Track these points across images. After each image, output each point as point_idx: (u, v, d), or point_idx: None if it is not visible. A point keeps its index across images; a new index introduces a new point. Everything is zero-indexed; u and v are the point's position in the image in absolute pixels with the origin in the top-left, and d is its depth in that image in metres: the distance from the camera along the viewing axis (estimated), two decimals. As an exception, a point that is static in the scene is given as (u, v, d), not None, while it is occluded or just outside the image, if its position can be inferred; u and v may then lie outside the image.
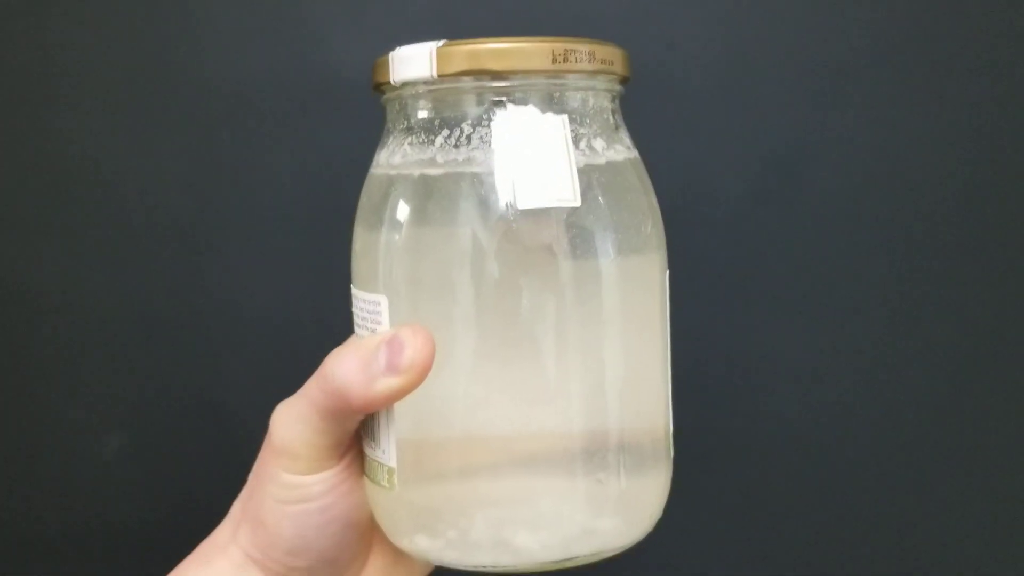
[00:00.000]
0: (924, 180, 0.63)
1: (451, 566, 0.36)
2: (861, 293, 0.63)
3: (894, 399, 0.64)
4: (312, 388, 0.36)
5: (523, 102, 0.35)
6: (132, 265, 0.64)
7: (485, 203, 0.34)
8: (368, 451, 0.37)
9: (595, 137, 0.36)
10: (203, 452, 0.64)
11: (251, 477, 0.39)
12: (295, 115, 0.62)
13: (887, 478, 0.65)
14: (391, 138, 0.37)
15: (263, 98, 0.62)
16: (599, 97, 0.36)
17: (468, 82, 0.34)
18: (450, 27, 0.58)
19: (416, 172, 0.35)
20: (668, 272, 0.39)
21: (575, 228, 0.34)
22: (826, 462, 0.65)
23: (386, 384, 0.34)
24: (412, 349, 0.33)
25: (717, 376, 0.64)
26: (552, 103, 0.35)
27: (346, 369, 0.34)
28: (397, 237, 0.35)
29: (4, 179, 0.63)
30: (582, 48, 0.35)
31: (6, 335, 0.64)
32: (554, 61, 0.34)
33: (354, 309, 0.38)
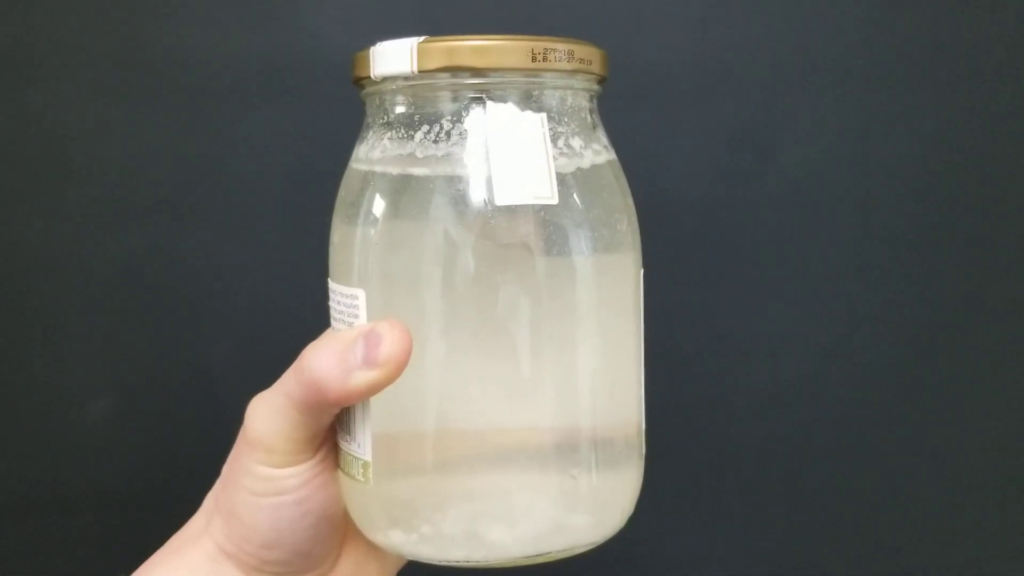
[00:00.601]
0: (892, 158, 0.64)
1: (425, 561, 0.36)
2: (831, 270, 0.65)
3: (864, 371, 0.66)
4: (288, 381, 0.36)
5: (502, 99, 0.35)
6: (119, 233, 0.64)
7: (463, 199, 0.34)
8: (343, 445, 0.37)
9: (573, 136, 0.36)
10: (188, 416, 0.65)
11: (225, 469, 0.39)
12: (281, 90, 0.63)
13: (859, 448, 0.66)
14: (370, 132, 0.37)
15: (250, 74, 0.63)
16: (577, 96, 0.37)
17: (447, 78, 0.35)
18: (437, 17, 0.59)
19: (395, 167, 0.36)
20: (643, 271, 0.39)
21: (551, 225, 0.35)
22: (798, 434, 0.66)
23: (363, 378, 0.34)
24: (389, 343, 0.33)
25: (691, 351, 0.65)
26: (531, 101, 0.35)
27: (323, 362, 0.34)
28: (375, 232, 0.35)
29: None
30: (561, 47, 0.35)
31: None
32: (533, 59, 0.34)
33: (331, 303, 0.38)
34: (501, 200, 0.33)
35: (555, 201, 0.34)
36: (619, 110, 0.58)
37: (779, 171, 0.64)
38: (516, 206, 0.34)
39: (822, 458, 0.67)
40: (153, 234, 0.64)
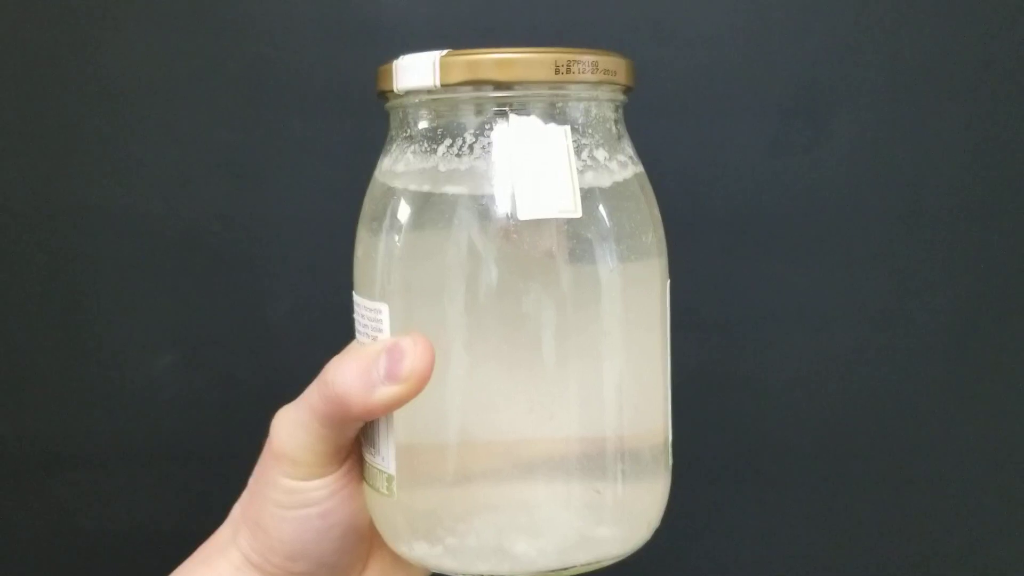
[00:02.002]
0: (944, 132, 0.64)
1: (449, 573, 0.36)
2: (881, 244, 0.65)
3: (912, 346, 0.65)
4: (312, 395, 0.36)
5: (525, 112, 0.35)
6: (183, 194, 0.66)
7: (486, 214, 0.34)
8: (368, 457, 0.37)
9: (597, 147, 0.36)
10: (247, 373, 0.66)
11: (251, 481, 0.39)
12: (344, 57, 0.64)
13: (905, 424, 0.66)
14: (394, 145, 0.37)
15: (313, 39, 0.65)
16: (602, 107, 0.36)
17: (470, 92, 0.34)
18: (486, 26, 0.59)
19: (417, 181, 0.35)
20: (669, 281, 0.39)
21: (575, 238, 0.35)
22: (843, 408, 0.66)
23: (386, 392, 0.34)
24: (412, 358, 0.33)
25: (738, 324, 0.65)
26: (554, 113, 0.35)
27: (346, 376, 0.34)
28: (398, 245, 0.35)
29: (66, 110, 0.65)
30: (585, 58, 0.35)
31: (64, 258, 0.66)
32: (557, 72, 0.34)
33: (355, 315, 0.38)
34: (524, 215, 0.33)
35: (579, 215, 0.34)
36: (674, 82, 0.58)
37: (831, 144, 0.63)
38: (540, 220, 0.34)
39: (867, 433, 0.66)
40: (217, 196, 0.66)
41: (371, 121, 0.55)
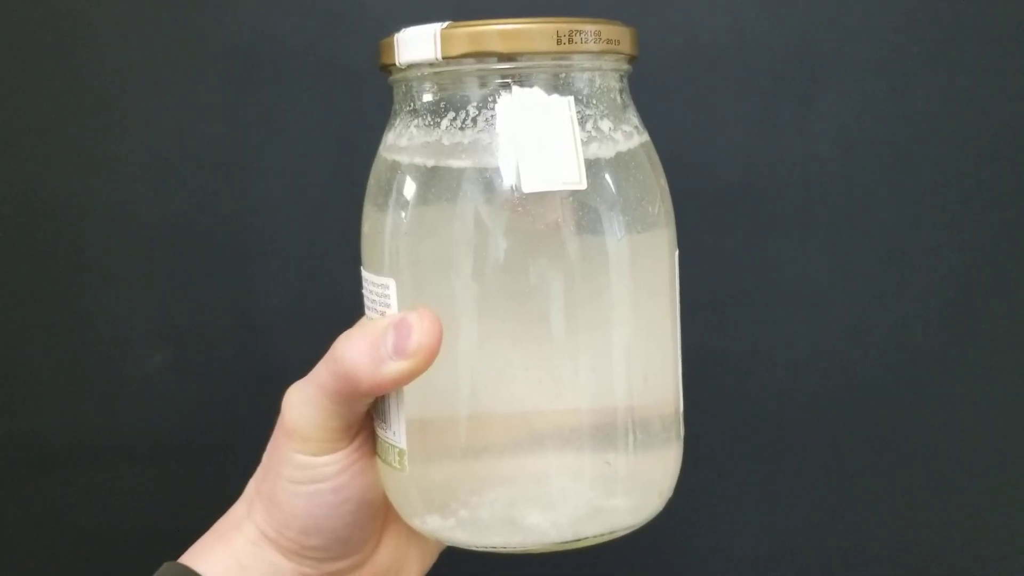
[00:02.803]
0: (934, 107, 0.63)
1: (462, 546, 0.36)
2: (873, 220, 0.64)
3: (907, 322, 0.65)
4: (321, 371, 0.36)
5: (528, 84, 0.34)
6: (172, 190, 0.66)
7: (490, 187, 0.34)
8: (380, 432, 0.38)
9: (602, 118, 0.35)
10: (239, 368, 0.66)
11: (265, 457, 0.39)
12: (328, 47, 0.64)
13: (902, 400, 0.66)
14: (398, 119, 0.37)
15: (296, 31, 0.64)
16: (606, 77, 0.36)
17: (472, 64, 0.34)
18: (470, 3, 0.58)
19: (421, 156, 0.35)
20: (678, 252, 0.39)
21: (582, 209, 0.34)
22: (840, 385, 0.66)
23: (394, 368, 0.34)
24: (419, 333, 0.33)
25: (732, 302, 0.65)
26: (558, 84, 0.35)
27: (354, 352, 0.34)
28: (404, 220, 0.35)
29: (53, 107, 0.65)
30: (588, 28, 0.34)
31: (54, 255, 0.66)
32: (559, 42, 0.34)
33: (364, 291, 0.38)
34: (529, 187, 0.33)
35: (583, 186, 0.34)
36: (661, 62, 0.57)
37: (820, 120, 0.63)
38: (545, 192, 0.34)
39: (864, 410, 0.66)
40: (205, 190, 0.65)
41: (361, 113, 0.55)
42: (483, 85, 0.35)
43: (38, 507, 0.68)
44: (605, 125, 0.35)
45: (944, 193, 0.63)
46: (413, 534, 0.40)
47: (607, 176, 0.35)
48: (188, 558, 0.40)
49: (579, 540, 0.36)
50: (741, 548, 0.68)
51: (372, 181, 0.38)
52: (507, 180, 0.33)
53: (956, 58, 0.62)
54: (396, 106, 0.37)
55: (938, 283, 0.64)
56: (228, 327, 0.66)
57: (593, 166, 0.34)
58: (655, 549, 0.67)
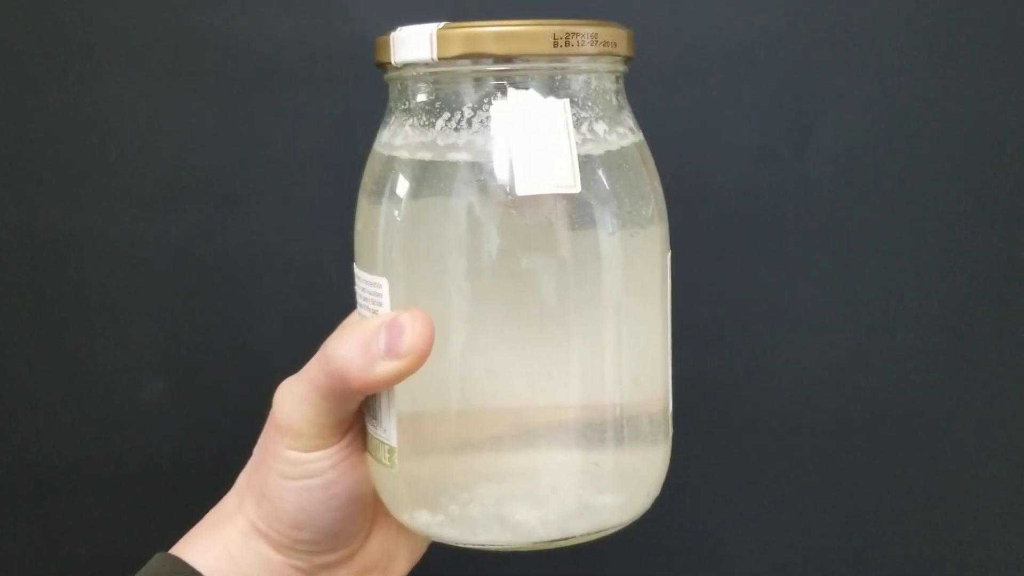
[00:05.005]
0: (933, 134, 0.63)
1: (451, 543, 0.37)
2: (872, 248, 0.64)
3: (906, 350, 0.65)
4: (313, 369, 0.36)
5: (524, 86, 0.34)
6: (171, 219, 0.66)
7: (484, 189, 0.34)
8: (370, 429, 0.38)
9: (597, 120, 0.35)
10: (237, 395, 0.66)
11: (256, 451, 0.40)
12: (322, 78, 0.64)
13: (901, 427, 0.66)
14: (393, 118, 0.37)
15: (290, 62, 0.64)
16: (602, 79, 0.36)
17: (468, 65, 0.34)
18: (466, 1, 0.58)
19: (416, 155, 0.35)
20: (670, 253, 0.39)
21: (574, 209, 0.34)
22: (840, 413, 0.66)
23: (385, 368, 0.34)
24: (411, 333, 0.34)
25: (732, 330, 0.65)
26: (553, 87, 0.35)
27: (346, 351, 0.35)
28: (398, 220, 0.35)
29: (51, 137, 0.65)
30: (584, 30, 0.34)
31: (52, 284, 0.67)
32: (555, 44, 0.34)
33: (356, 288, 0.38)
34: (522, 190, 0.33)
35: (577, 190, 0.34)
36: (658, 89, 0.57)
37: (819, 148, 0.63)
38: (538, 194, 0.34)
39: (864, 437, 0.66)
40: (203, 219, 0.66)
41: (359, 139, 0.54)
42: (478, 86, 0.34)
43: (35, 533, 0.69)
44: (600, 127, 0.35)
45: (942, 218, 0.63)
46: (402, 529, 0.41)
47: (601, 176, 0.35)
48: (179, 549, 0.40)
49: (567, 538, 0.36)
50: (741, 571, 0.68)
51: (366, 178, 0.38)
52: (501, 182, 0.33)
53: (954, 84, 0.62)
54: (391, 103, 0.37)
55: (937, 309, 0.64)
56: (226, 354, 0.67)
57: (586, 165, 0.34)
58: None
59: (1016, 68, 0.62)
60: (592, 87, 0.36)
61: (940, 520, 0.67)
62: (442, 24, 0.34)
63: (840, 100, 0.62)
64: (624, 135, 0.36)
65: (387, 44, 0.35)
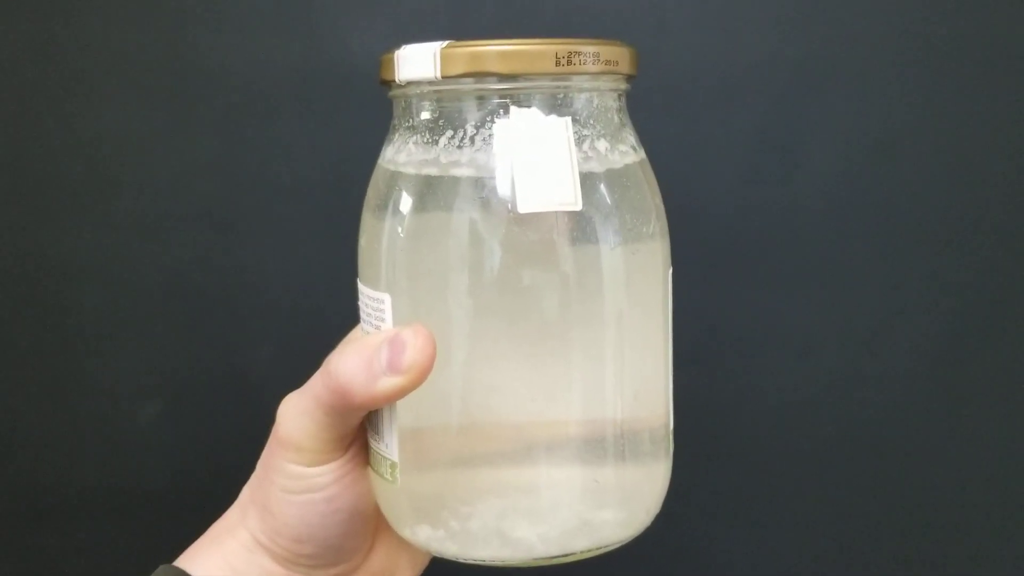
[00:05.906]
0: (919, 157, 0.63)
1: (452, 558, 0.37)
2: (861, 270, 0.64)
3: (894, 373, 0.65)
4: (316, 384, 0.36)
5: (526, 104, 0.34)
6: (164, 244, 0.66)
7: (487, 206, 0.34)
8: (373, 444, 0.38)
9: (599, 138, 0.36)
10: (231, 419, 0.67)
11: (259, 466, 0.40)
12: (315, 103, 0.64)
13: (892, 449, 0.66)
14: (397, 135, 0.37)
15: (283, 88, 0.64)
16: (604, 97, 0.36)
17: (471, 84, 0.34)
18: (466, 22, 0.58)
19: (420, 172, 0.35)
20: (671, 270, 0.39)
21: (576, 226, 0.35)
22: (829, 435, 0.66)
23: (387, 384, 0.34)
24: (413, 350, 0.34)
25: (722, 352, 0.65)
26: (556, 105, 0.35)
27: (349, 367, 0.35)
28: (401, 236, 0.36)
29: (48, 164, 0.66)
30: (587, 49, 0.34)
31: (49, 309, 0.67)
32: (558, 63, 0.34)
33: (359, 303, 0.38)
34: (525, 208, 0.33)
35: (579, 207, 0.34)
36: (649, 112, 0.58)
37: (807, 171, 0.63)
38: (540, 212, 0.34)
39: (854, 459, 0.66)
40: (196, 244, 0.66)
41: (353, 164, 0.55)
42: (481, 105, 0.35)
43: (30, 559, 0.69)
44: (602, 145, 0.36)
45: (930, 241, 0.64)
46: (403, 543, 0.41)
47: (602, 192, 0.35)
48: (182, 561, 0.40)
49: (567, 555, 0.36)
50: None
51: (370, 194, 0.38)
52: (503, 200, 0.34)
53: (938, 111, 0.63)
54: (395, 121, 0.38)
55: (927, 330, 0.65)
56: (221, 379, 0.67)
57: (588, 182, 0.35)
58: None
59: (1001, 94, 0.62)
60: (594, 105, 0.36)
61: (934, 542, 0.67)
62: (446, 43, 0.34)
63: (828, 126, 0.63)
64: (626, 152, 0.37)
65: (391, 62, 0.36)
